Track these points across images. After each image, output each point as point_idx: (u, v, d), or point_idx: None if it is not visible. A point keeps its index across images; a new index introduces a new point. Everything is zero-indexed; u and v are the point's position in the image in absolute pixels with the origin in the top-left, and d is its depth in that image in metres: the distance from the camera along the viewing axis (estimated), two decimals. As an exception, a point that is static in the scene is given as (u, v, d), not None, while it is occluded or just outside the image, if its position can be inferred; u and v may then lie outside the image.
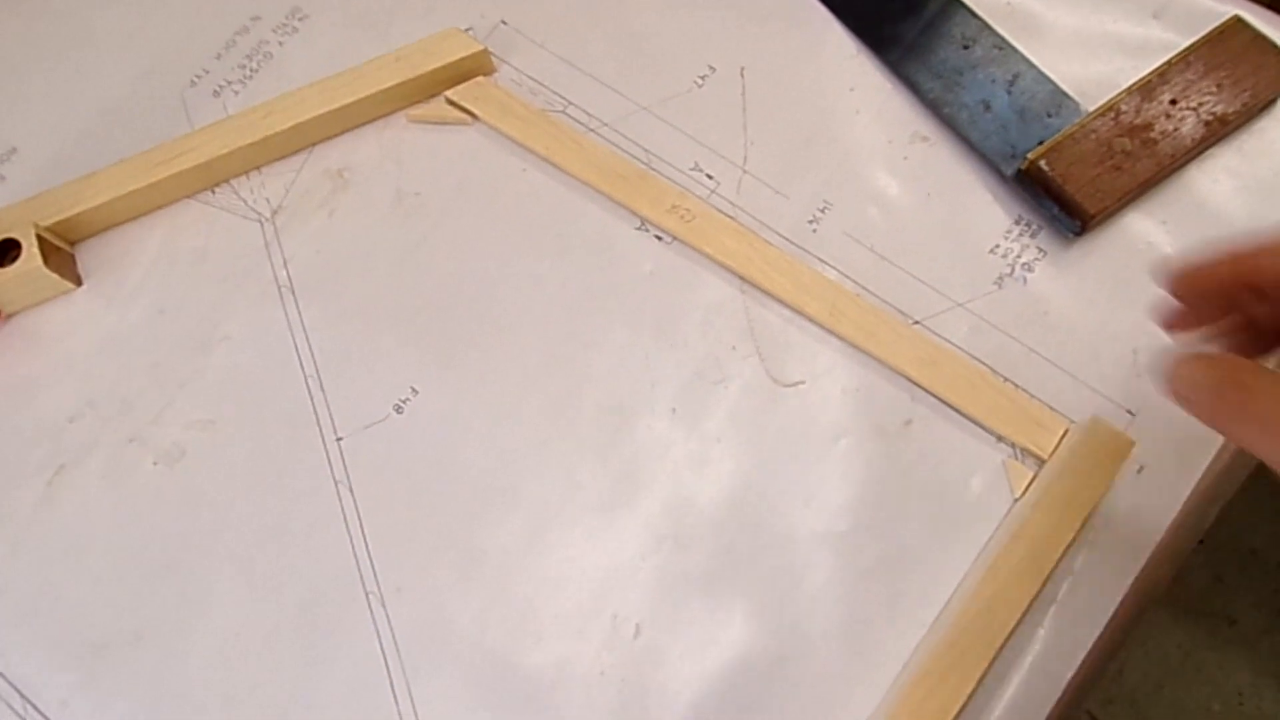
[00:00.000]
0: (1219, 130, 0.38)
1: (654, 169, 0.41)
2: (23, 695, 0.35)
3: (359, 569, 0.36)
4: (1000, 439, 0.36)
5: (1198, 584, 0.98)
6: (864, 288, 0.39)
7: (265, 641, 0.35)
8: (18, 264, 0.39)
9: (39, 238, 0.40)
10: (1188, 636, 0.97)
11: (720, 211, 0.40)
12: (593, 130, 0.42)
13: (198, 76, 0.45)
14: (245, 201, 0.42)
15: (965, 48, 0.41)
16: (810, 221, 0.40)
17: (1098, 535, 0.34)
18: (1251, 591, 0.98)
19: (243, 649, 0.35)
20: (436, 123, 0.43)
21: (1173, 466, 0.35)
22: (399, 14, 0.45)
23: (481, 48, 0.42)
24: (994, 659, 0.32)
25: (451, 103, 0.43)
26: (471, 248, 0.41)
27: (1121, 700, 0.95)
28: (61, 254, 0.41)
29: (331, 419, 0.38)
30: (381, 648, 0.35)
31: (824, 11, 0.44)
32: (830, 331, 0.38)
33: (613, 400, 0.38)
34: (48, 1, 0.48)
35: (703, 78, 0.43)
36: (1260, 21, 0.39)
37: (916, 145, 0.41)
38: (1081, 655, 0.33)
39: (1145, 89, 0.38)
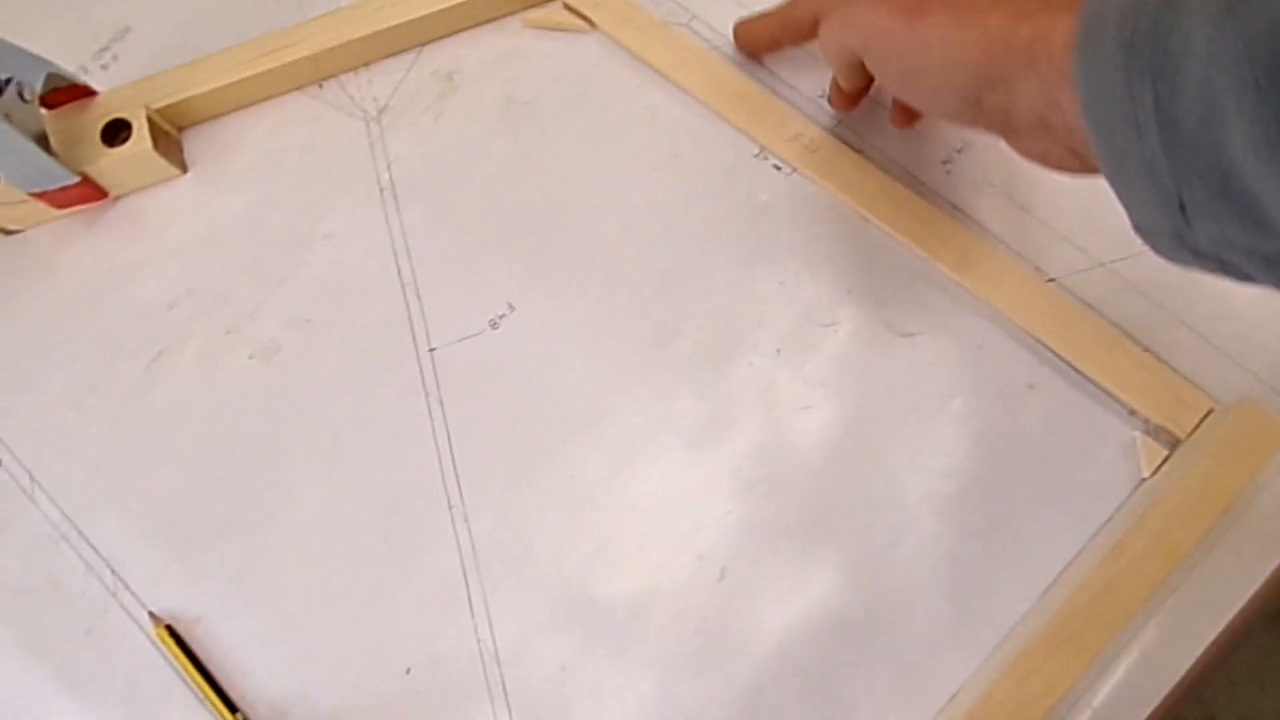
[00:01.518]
0: None
1: (779, 95, 0.38)
2: (114, 571, 0.36)
3: (444, 482, 0.35)
4: (1133, 413, 0.33)
5: (1283, 585, 0.94)
6: (998, 238, 0.36)
7: (347, 543, 0.35)
8: (128, 145, 0.39)
9: (149, 120, 0.39)
10: (1266, 636, 0.93)
11: (847, 144, 0.37)
12: (716, 48, 0.39)
13: (312, -36, 0.44)
14: (352, 98, 0.41)
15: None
16: (945, 162, 0.37)
17: (1235, 525, 0.32)
18: (1340, 599, 0.93)
19: (324, 548, 0.35)
20: (552, 29, 0.41)
21: (1327, 460, 0.32)
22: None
23: (607, -50, 0.40)
24: (1106, 645, 0.30)
25: (569, 8, 0.41)
26: (580, 163, 0.39)
27: (1189, 697, 0.92)
28: (169, 139, 0.41)
29: (426, 329, 0.37)
30: (461, 561, 0.35)
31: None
32: (956, 282, 0.35)
33: (715, 333, 0.36)
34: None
35: (838, -3, 0.40)
36: None
37: (1070, 86, 0.37)
38: (1197, 651, 0.31)
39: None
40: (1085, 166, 0.27)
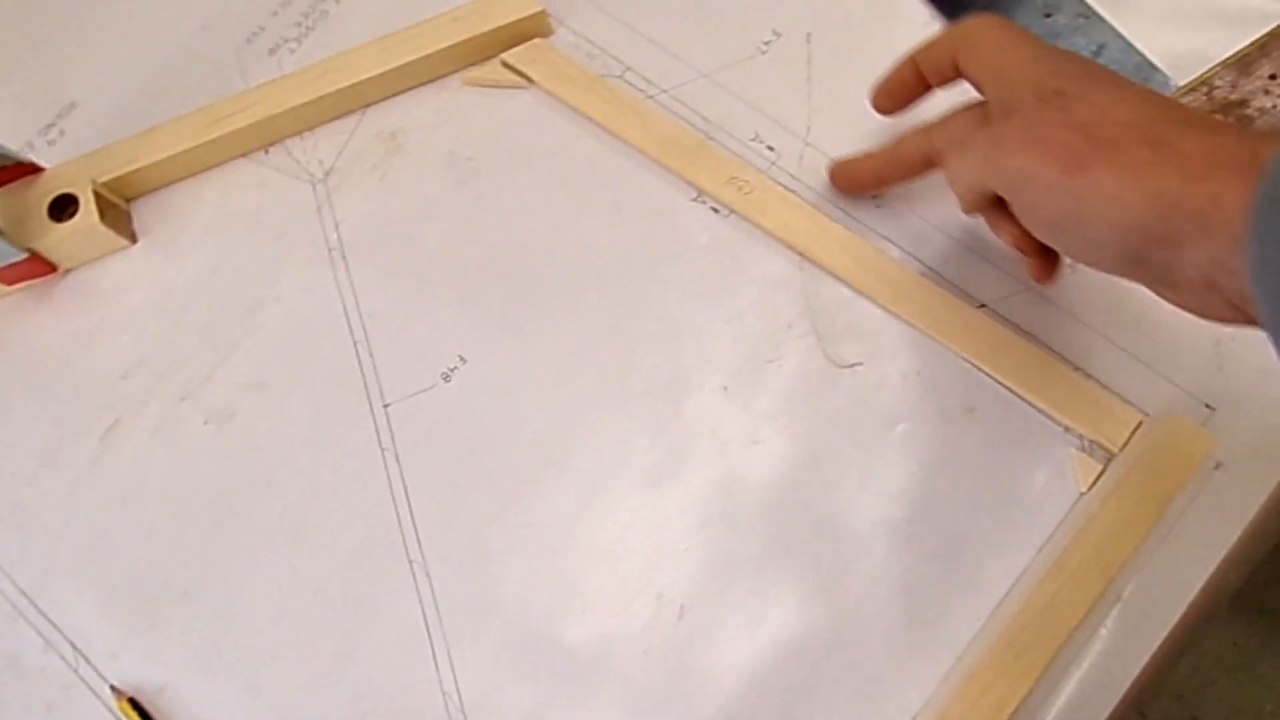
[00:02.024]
0: (1322, 109, 0.35)
1: (713, 138, 0.40)
2: (74, 646, 0.36)
3: (403, 536, 0.36)
4: (1068, 430, 0.34)
5: (1255, 581, 0.95)
6: (929, 268, 0.37)
7: (309, 604, 0.35)
8: (75, 220, 0.39)
9: (96, 194, 0.40)
10: (1243, 634, 0.94)
11: (780, 184, 0.39)
12: (651, 97, 0.41)
13: (254, 34, 0.45)
14: (298, 162, 0.42)
15: (1047, 15, 0.39)
16: (874, 197, 0.38)
17: (1169, 534, 0.33)
18: (1310, 594, 0.95)
19: (286, 610, 0.35)
20: (491, 86, 0.42)
21: (1253, 465, 0.33)
22: (456, -28, 0.44)
23: (539, 9, 0.41)
24: (1054, 658, 0.31)
25: (507, 65, 0.42)
26: (524, 215, 0.40)
27: (1169, 696, 0.93)
28: (118, 210, 0.41)
29: (380, 385, 0.38)
30: (424, 615, 0.35)
31: (898, -22, 0.42)
32: (891, 313, 0.36)
33: (663, 375, 0.37)
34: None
35: (767, 44, 0.41)
36: (1373, -8, 0.36)
37: (990, 119, 0.39)
38: (1145, 658, 0.32)
39: (1242, 63, 0.36)
40: (1246, 320, 0.26)
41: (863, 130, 0.39)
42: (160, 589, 0.36)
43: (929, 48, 0.33)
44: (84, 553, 0.37)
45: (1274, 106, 0.35)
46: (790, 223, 0.38)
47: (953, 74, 0.33)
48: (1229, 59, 0.36)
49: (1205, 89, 0.36)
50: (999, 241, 0.37)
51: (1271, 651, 0.94)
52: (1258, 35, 0.36)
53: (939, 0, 0.41)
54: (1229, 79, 0.36)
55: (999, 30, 0.31)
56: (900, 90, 0.35)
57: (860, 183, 0.37)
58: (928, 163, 0.34)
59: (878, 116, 0.39)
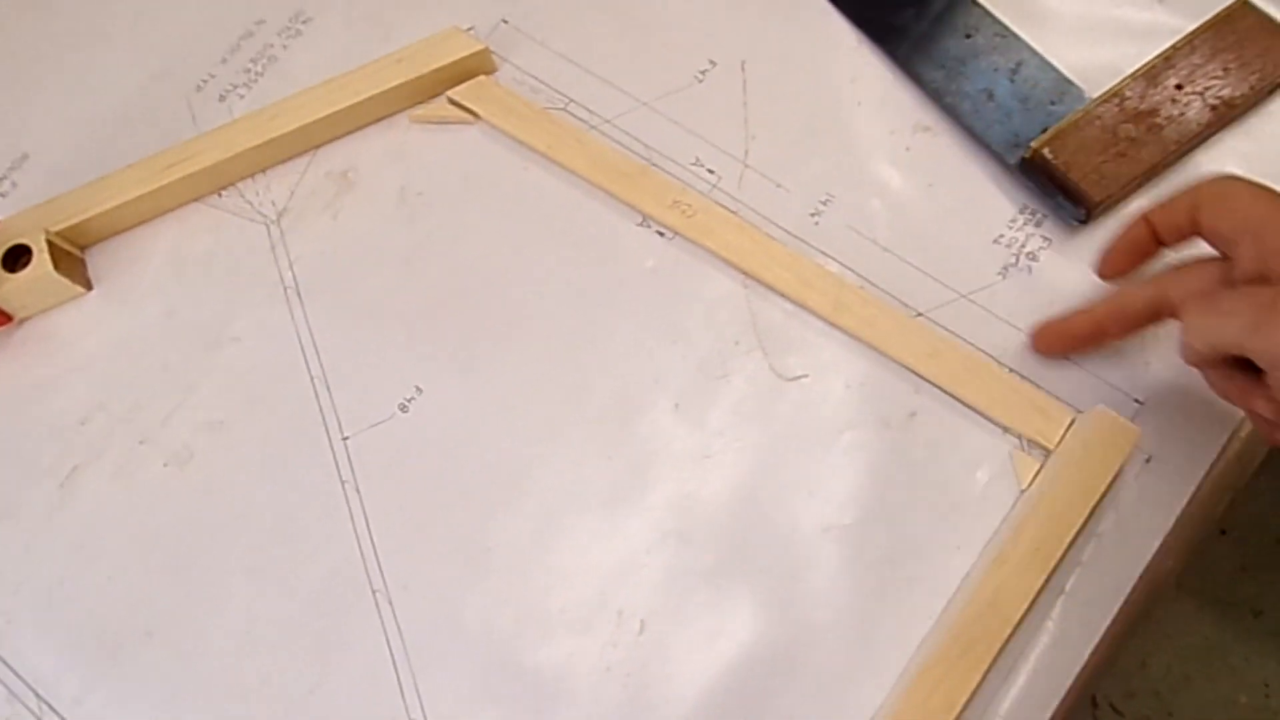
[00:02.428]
0: (1226, 115, 0.37)
1: (655, 165, 0.41)
2: (37, 694, 0.36)
3: (365, 567, 0.36)
4: (1006, 430, 0.36)
5: (1223, 574, 0.97)
6: (867, 280, 0.38)
7: (274, 639, 0.36)
8: (29, 270, 0.40)
9: (49, 243, 0.40)
10: (1213, 627, 0.96)
11: (722, 206, 0.40)
12: (594, 127, 0.42)
13: (204, 81, 0.46)
14: (251, 204, 0.43)
15: (967, 36, 0.41)
16: (812, 215, 0.40)
17: (1106, 526, 0.34)
18: (1278, 581, 0.97)
19: (252, 647, 0.36)
20: (439, 122, 0.43)
21: (1181, 456, 0.34)
22: (401, 15, 0.46)
23: (482, 47, 0.42)
24: (1000, 652, 0.32)
25: (454, 102, 0.43)
26: (475, 246, 0.41)
27: (1145, 692, 0.94)
28: (72, 259, 0.42)
29: (338, 419, 0.38)
30: (389, 644, 0.35)
31: (823, 3, 0.43)
32: (833, 325, 0.38)
33: (616, 396, 0.38)
34: (57, 11, 0.49)
35: (703, 72, 0.43)
36: (1266, 3, 0.39)
37: (919, 136, 0.40)
38: (1090, 647, 0.33)
39: (1150, 74, 0.38)
40: None
41: (797, 150, 0.41)
42: (123, 632, 0.36)
43: (1166, 208, 0.32)
44: (45, 599, 0.37)
45: (1180, 115, 0.37)
46: (733, 243, 0.39)
47: (1191, 232, 0.32)
48: (1137, 71, 0.38)
49: (1117, 100, 0.38)
50: (933, 251, 0.38)
51: (1242, 643, 0.95)
52: (1162, 49, 0.38)
53: (867, 25, 0.42)
54: (1138, 90, 0.38)
55: (1252, 189, 0.30)
56: (1133, 251, 0.34)
57: (1077, 340, 0.35)
58: (1155, 315, 0.33)
59: (811, 138, 0.41)
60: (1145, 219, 0.33)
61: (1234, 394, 0.31)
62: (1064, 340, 0.36)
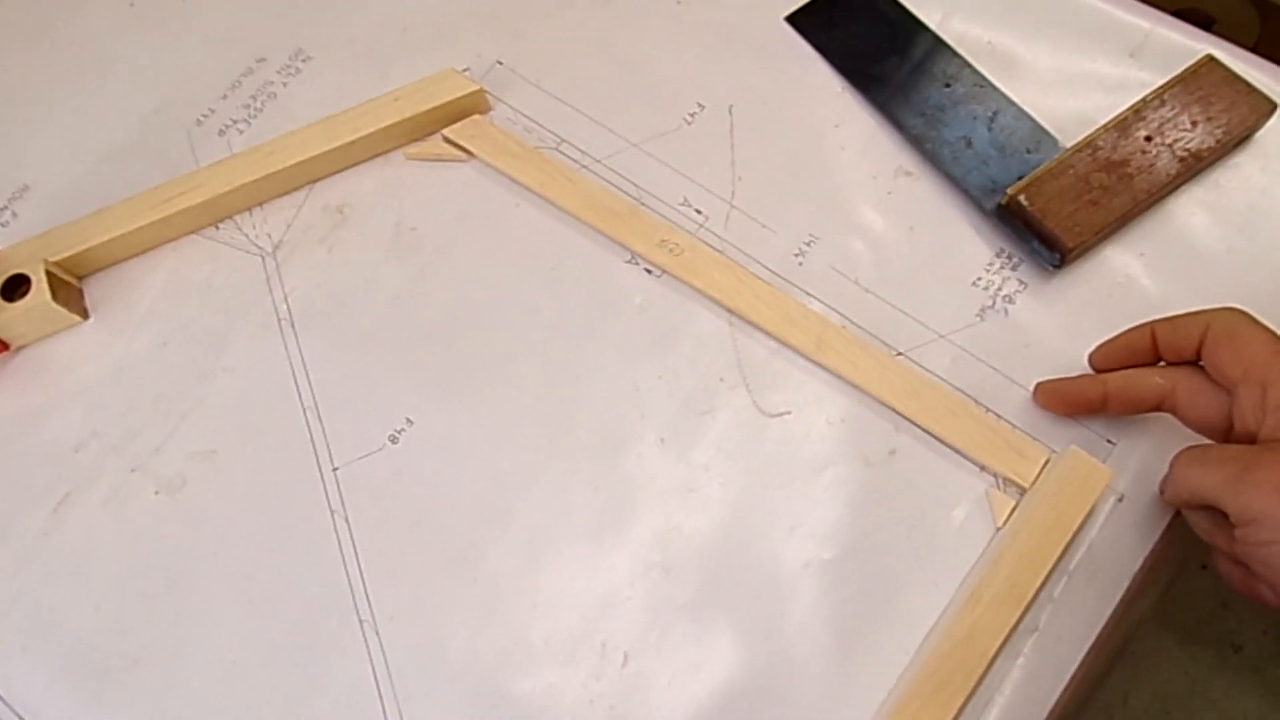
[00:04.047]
0: (1194, 165, 0.39)
1: (644, 204, 0.42)
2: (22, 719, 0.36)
3: (353, 597, 0.37)
4: (983, 469, 0.36)
5: (1203, 610, 0.98)
6: (849, 320, 0.39)
7: (260, 667, 0.36)
8: (27, 299, 0.40)
9: (48, 273, 0.41)
10: (1194, 663, 0.96)
11: (708, 245, 0.41)
12: (585, 167, 0.43)
13: (204, 115, 0.47)
14: (248, 237, 0.44)
15: (947, 86, 0.43)
16: (796, 255, 0.41)
17: (1077, 564, 0.35)
18: (1258, 618, 0.97)
19: (238, 674, 0.36)
20: (433, 160, 0.44)
21: (1152, 496, 0.35)
22: (399, 55, 0.47)
23: (477, 88, 0.44)
24: (975, 688, 0.32)
25: (448, 140, 0.44)
26: (466, 281, 0.42)
27: (1125, 730, 0.94)
28: (69, 289, 0.42)
29: (329, 449, 0.39)
30: (374, 674, 0.36)
31: (810, 51, 0.45)
32: (816, 363, 0.39)
33: (603, 430, 0.38)
34: (60, 45, 0.50)
35: (692, 115, 0.44)
36: (1233, 60, 0.40)
37: (900, 180, 0.42)
38: (1062, 684, 0.34)
39: (1122, 125, 0.39)
40: None
41: (783, 192, 0.42)
42: (111, 658, 0.37)
43: (1174, 328, 0.33)
44: (33, 625, 0.37)
45: (1150, 165, 0.39)
46: (719, 281, 0.40)
47: (1193, 358, 0.32)
48: (1110, 123, 0.39)
49: (1090, 150, 0.39)
50: (913, 293, 0.40)
51: (1223, 678, 0.96)
52: (1133, 101, 0.40)
53: (851, 73, 0.44)
54: (1110, 140, 0.39)
55: (1260, 334, 0.31)
56: (1129, 355, 0.35)
57: (1079, 406, 0.36)
58: (1159, 409, 0.33)
59: (796, 181, 0.42)
60: (1151, 330, 0.34)
61: (1216, 540, 0.32)
62: (1066, 403, 0.36)
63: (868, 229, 0.41)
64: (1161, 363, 0.34)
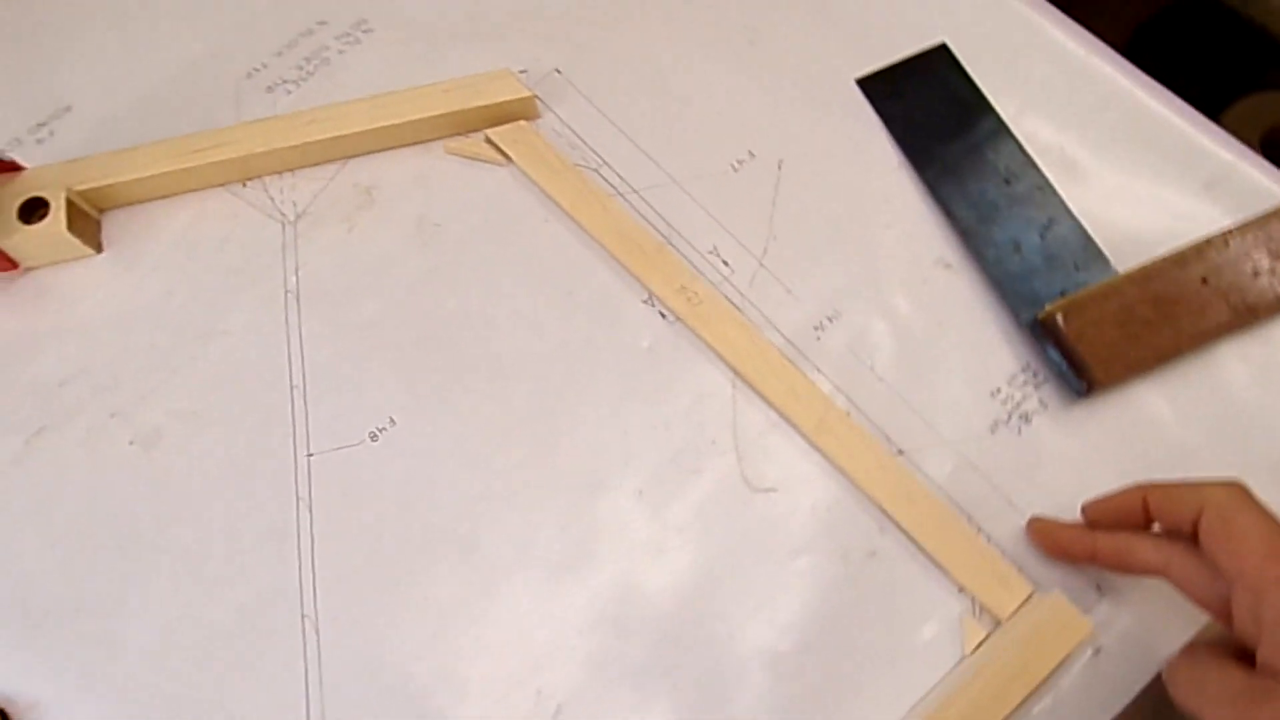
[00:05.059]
0: (1246, 318, 0.37)
1: (672, 244, 0.41)
2: (-45, 648, 0.36)
3: (301, 590, 0.36)
4: (962, 590, 0.35)
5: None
6: (856, 406, 0.38)
7: (196, 641, 0.36)
8: (43, 224, 0.40)
9: (68, 202, 0.41)
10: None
11: (728, 300, 0.40)
12: (620, 194, 0.42)
13: (255, 69, 0.46)
14: (273, 200, 0.43)
15: (1007, 182, 0.41)
16: (816, 328, 0.39)
17: (1041, 710, 0.33)
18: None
19: (173, 644, 0.36)
20: (471, 158, 0.43)
21: (1130, 655, 0.34)
22: (459, 43, 0.46)
23: (529, 94, 0.42)
24: (906, 819, 0.31)
25: (490, 142, 0.43)
26: (478, 288, 0.41)
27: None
28: (88, 220, 0.42)
29: (308, 434, 0.38)
30: (306, 672, 0.35)
31: (875, 118, 0.43)
32: (813, 444, 0.37)
33: (584, 469, 0.37)
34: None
35: (740, 162, 0.43)
36: (1311, 215, 0.38)
37: (939, 271, 0.40)
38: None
39: (1180, 260, 0.37)
40: None
41: (816, 260, 0.40)
42: (53, 603, 0.36)
43: (1168, 500, 0.31)
44: (-15, 554, 0.37)
45: (1201, 308, 0.37)
46: (731, 339, 0.39)
47: (1189, 533, 0.30)
48: (1168, 255, 0.38)
49: (1141, 280, 0.37)
50: (928, 391, 0.38)
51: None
52: (1198, 238, 0.38)
53: (912, 149, 0.42)
54: (1165, 274, 0.37)
55: (1261, 525, 0.28)
56: (1118, 517, 0.33)
57: (1067, 554, 0.34)
58: (1154, 573, 0.32)
59: (832, 251, 0.41)
60: (1143, 497, 0.32)
61: None
62: (1055, 549, 0.35)
63: (895, 316, 0.39)
64: (1157, 525, 0.33)
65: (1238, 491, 0.29)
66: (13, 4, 0.48)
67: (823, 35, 0.45)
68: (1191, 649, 0.31)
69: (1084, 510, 0.34)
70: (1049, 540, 0.35)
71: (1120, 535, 0.32)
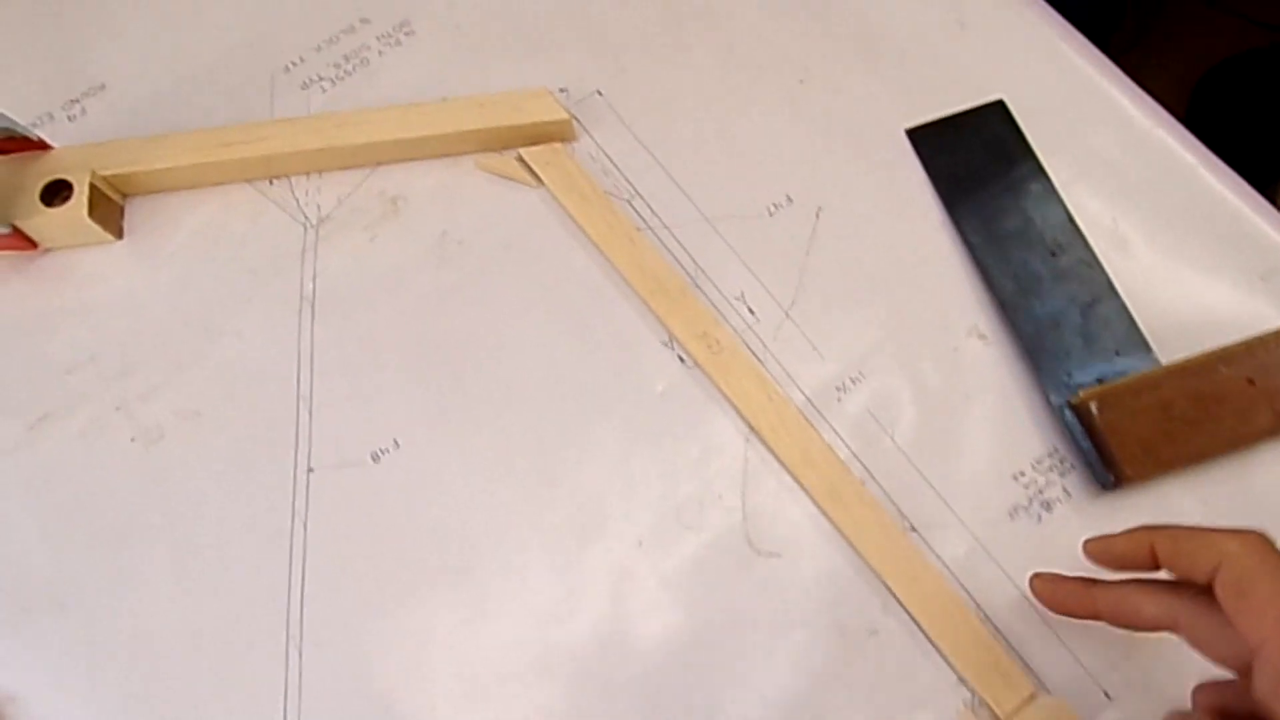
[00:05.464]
0: (1292, 427, 0.35)
1: (698, 285, 0.40)
2: (-61, 632, 0.35)
3: (288, 608, 0.35)
4: (962, 681, 0.34)
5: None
6: (871, 475, 0.37)
7: (179, 648, 0.35)
8: (65, 208, 0.40)
9: (92, 186, 0.40)
10: None
11: (750, 350, 0.38)
12: (650, 228, 0.41)
13: (293, 63, 0.45)
14: (298, 201, 0.42)
15: (1053, 254, 0.39)
16: (838, 388, 0.38)
17: (1030, 821, 0.32)
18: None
19: (155, 649, 0.35)
20: (502, 176, 0.42)
21: (1133, 771, 0.32)
22: (502, 53, 0.45)
23: (567, 117, 0.41)
24: None
25: (522, 161, 0.42)
26: (495, 312, 0.40)
27: None
28: (110, 205, 0.42)
29: (309, 449, 0.38)
30: (285, 693, 0.34)
31: (921, 173, 0.42)
32: (823, 511, 0.36)
33: (584, 511, 0.37)
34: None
35: (776, 206, 0.41)
36: (1373, 323, 0.36)
37: (971, 341, 0.39)
38: None
39: (1227, 357, 0.36)
40: None
41: (844, 317, 0.39)
42: (39, 596, 0.36)
43: (1179, 553, 0.29)
44: (-23, 538, 0.37)
45: (1245, 411, 0.35)
46: (750, 394, 0.38)
47: (1204, 582, 0.28)
48: (1215, 351, 0.36)
49: (1183, 374, 0.35)
50: (947, 467, 0.37)
51: None
52: (1249, 335, 0.36)
53: (955, 207, 0.41)
54: (1209, 370, 0.35)
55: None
56: (1122, 561, 0.31)
57: (1068, 609, 0.32)
58: (1158, 630, 0.30)
59: (863, 309, 0.39)
60: (1150, 542, 0.29)
61: None
62: (1056, 602, 0.33)
63: (921, 384, 0.38)
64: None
65: (1257, 545, 0.27)
66: (57, -24, 0.48)
67: (876, 81, 0.43)
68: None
69: (1085, 547, 0.32)
70: (1049, 594, 0.33)
71: (1123, 588, 0.30)
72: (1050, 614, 0.33)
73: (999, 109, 0.42)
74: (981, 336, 0.39)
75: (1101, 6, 0.90)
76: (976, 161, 0.41)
